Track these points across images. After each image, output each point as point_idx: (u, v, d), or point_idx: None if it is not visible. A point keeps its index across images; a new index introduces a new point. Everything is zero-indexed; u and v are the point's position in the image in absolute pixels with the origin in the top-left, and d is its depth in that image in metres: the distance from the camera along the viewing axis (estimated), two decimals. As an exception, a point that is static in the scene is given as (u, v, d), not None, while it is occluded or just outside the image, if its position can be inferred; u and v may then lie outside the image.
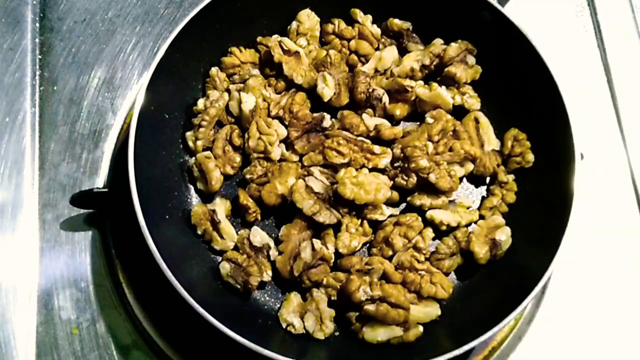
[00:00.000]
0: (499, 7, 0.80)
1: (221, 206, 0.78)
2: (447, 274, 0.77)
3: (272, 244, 0.76)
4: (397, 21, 0.85)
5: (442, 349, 0.67)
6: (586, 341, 0.80)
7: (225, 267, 0.75)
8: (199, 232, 0.77)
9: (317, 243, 0.73)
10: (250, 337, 0.66)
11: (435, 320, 0.74)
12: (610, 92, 0.92)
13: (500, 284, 0.75)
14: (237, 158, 0.80)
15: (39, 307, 0.78)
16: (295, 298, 0.74)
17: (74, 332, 0.77)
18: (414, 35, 0.86)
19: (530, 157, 0.79)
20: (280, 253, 0.76)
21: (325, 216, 0.75)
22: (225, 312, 0.69)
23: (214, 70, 0.83)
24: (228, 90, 0.83)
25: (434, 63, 0.83)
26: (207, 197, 0.80)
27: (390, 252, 0.77)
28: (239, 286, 0.74)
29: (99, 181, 0.84)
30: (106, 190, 0.78)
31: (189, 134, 0.81)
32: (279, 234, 0.77)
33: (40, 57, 0.89)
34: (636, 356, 0.80)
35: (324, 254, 0.73)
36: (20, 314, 0.77)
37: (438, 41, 0.84)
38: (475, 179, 0.83)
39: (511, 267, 0.76)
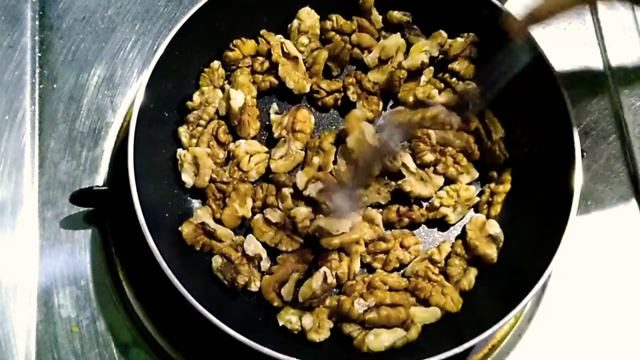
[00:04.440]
0: (499, 4, 0.80)
1: (206, 214, 0.77)
2: (470, 290, 0.76)
3: (264, 255, 0.76)
4: (396, 13, 0.85)
5: (443, 347, 0.67)
6: (586, 339, 0.80)
7: (216, 261, 0.75)
8: (197, 249, 0.76)
9: (329, 276, 0.72)
10: (251, 335, 0.66)
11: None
12: (611, 90, 0.92)
13: (500, 282, 0.75)
14: (221, 154, 0.80)
15: (39, 305, 0.78)
16: (291, 308, 0.74)
17: (74, 330, 0.77)
18: (415, 27, 0.86)
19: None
20: (270, 273, 0.75)
21: (288, 244, 0.76)
22: (225, 310, 0.69)
23: (215, 64, 0.83)
24: (222, 88, 0.83)
25: (440, 55, 0.84)
26: (190, 190, 0.80)
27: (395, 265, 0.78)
28: (226, 282, 0.74)
29: (99, 179, 0.84)
30: (106, 188, 0.78)
31: (182, 129, 0.80)
32: (278, 257, 0.76)
33: (39, 55, 0.89)
34: (636, 356, 0.80)
35: (332, 285, 0.73)
36: (20, 312, 0.77)
37: (442, 32, 0.84)
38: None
39: (511, 266, 0.75)
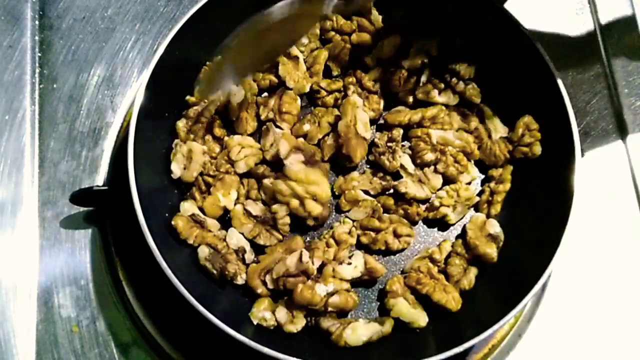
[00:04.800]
0: (499, 4, 0.80)
1: (193, 206, 0.77)
2: (470, 290, 0.76)
3: (247, 247, 0.76)
4: (394, 14, 0.85)
5: (443, 347, 0.67)
6: (586, 339, 0.80)
7: (203, 251, 0.74)
8: (190, 242, 0.75)
9: (305, 256, 0.72)
10: (250, 335, 0.66)
11: (435, 318, 0.74)
12: (611, 90, 0.92)
13: (500, 281, 0.75)
14: (217, 149, 0.80)
15: (39, 305, 0.78)
16: (266, 299, 0.74)
17: (74, 330, 0.77)
18: (414, 27, 0.86)
19: (538, 149, 0.79)
20: (257, 261, 0.75)
21: (266, 238, 0.77)
22: (225, 309, 0.70)
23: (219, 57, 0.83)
24: None
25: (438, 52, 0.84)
26: (176, 181, 0.79)
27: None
28: (215, 272, 0.73)
29: (99, 179, 0.84)
30: (106, 188, 0.78)
31: (180, 124, 0.80)
32: (266, 248, 0.76)
33: (39, 54, 0.89)
34: (636, 355, 0.80)
35: (308, 267, 0.72)
36: (20, 311, 0.77)
37: (441, 32, 0.84)
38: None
39: (511, 265, 0.75)
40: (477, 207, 0.81)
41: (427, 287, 0.74)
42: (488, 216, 0.79)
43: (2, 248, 0.80)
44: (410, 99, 0.83)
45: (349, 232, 0.78)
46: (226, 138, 0.80)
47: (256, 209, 0.77)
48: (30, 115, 0.85)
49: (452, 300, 0.73)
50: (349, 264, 0.74)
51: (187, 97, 0.81)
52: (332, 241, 0.77)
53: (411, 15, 0.85)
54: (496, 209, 0.79)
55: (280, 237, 0.77)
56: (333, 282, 0.72)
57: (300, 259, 0.72)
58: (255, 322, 0.72)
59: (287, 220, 0.76)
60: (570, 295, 0.82)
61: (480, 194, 0.82)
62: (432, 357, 0.66)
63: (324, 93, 0.84)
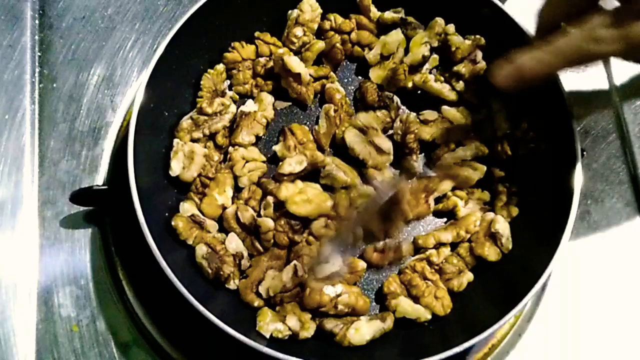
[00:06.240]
0: (499, 3, 0.80)
1: (193, 206, 0.77)
2: (458, 293, 0.76)
3: (245, 254, 0.75)
4: (387, 14, 0.85)
5: (442, 347, 0.67)
6: (586, 339, 0.80)
7: (201, 249, 0.74)
8: (190, 243, 0.75)
9: (300, 269, 0.72)
10: (250, 334, 0.66)
11: (435, 318, 0.74)
12: (611, 89, 0.92)
13: (500, 281, 0.75)
14: (216, 157, 0.80)
15: (39, 305, 0.78)
16: (268, 310, 0.73)
17: (74, 330, 0.77)
18: (410, 21, 0.86)
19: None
20: (245, 277, 0.75)
21: (249, 248, 0.76)
22: (224, 308, 0.69)
23: (220, 67, 0.83)
24: (223, 92, 0.83)
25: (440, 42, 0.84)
26: (175, 181, 0.79)
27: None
28: (210, 271, 0.73)
29: (99, 178, 0.84)
30: (106, 187, 0.78)
31: (185, 124, 0.79)
32: (251, 259, 0.76)
33: (39, 54, 0.89)
34: (636, 355, 0.80)
35: (304, 279, 0.72)
36: (20, 311, 0.77)
37: (438, 20, 0.83)
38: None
39: (511, 265, 0.75)
40: (494, 210, 0.80)
41: (418, 290, 0.74)
42: (508, 217, 0.78)
43: (2, 248, 0.80)
44: (410, 84, 0.83)
45: (326, 226, 0.76)
46: (230, 149, 0.80)
47: (246, 216, 0.76)
48: (30, 115, 0.85)
49: (440, 306, 0.73)
50: (327, 262, 0.74)
51: (202, 106, 0.78)
52: (311, 238, 0.75)
53: (410, 15, 0.86)
54: (515, 210, 0.79)
55: (262, 250, 0.76)
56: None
57: (295, 272, 0.71)
58: (267, 335, 0.70)
59: (270, 235, 0.75)
60: (570, 295, 0.82)
61: (494, 195, 0.81)
62: (432, 356, 0.66)
63: (310, 79, 0.83)
